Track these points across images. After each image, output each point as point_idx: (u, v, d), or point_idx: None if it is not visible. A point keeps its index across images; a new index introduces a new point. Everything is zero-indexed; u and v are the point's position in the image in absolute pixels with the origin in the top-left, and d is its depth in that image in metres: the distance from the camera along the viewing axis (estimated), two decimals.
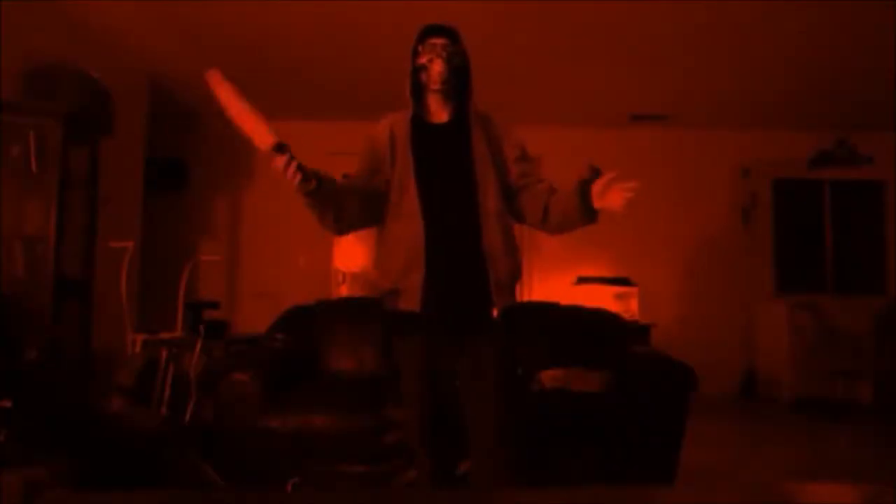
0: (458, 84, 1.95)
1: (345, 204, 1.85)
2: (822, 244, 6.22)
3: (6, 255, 3.03)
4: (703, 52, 4.42)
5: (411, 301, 1.85)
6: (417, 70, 1.95)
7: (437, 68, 1.90)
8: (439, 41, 1.94)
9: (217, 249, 5.76)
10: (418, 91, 1.96)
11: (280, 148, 1.73)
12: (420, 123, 1.96)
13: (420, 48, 1.96)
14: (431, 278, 1.83)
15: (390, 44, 4.34)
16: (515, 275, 1.94)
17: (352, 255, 8.13)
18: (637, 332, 4.81)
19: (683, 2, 3.69)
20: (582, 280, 5.65)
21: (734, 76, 4.85)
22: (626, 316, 4.95)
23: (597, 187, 1.78)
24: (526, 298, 5.64)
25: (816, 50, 4.34)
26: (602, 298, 5.26)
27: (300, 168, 1.75)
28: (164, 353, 3.56)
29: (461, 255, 1.86)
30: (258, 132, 1.77)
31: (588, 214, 1.83)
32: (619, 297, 5.49)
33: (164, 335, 3.64)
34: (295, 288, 5.41)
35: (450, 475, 1.92)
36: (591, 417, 2.70)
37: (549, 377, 3.03)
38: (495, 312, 1.90)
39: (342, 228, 1.90)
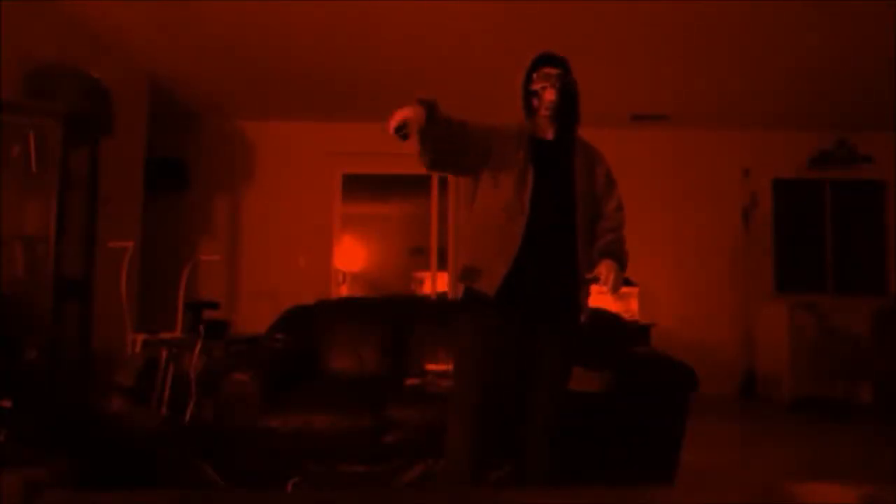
0: (566, 109, 2.13)
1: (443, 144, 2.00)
2: (822, 244, 6.22)
3: (6, 255, 3.02)
4: (704, 52, 4.42)
5: (488, 284, 2.03)
6: (530, 94, 2.14)
7: (549, 96, 2.09)
8: (553, 71, 2.10)
9: (217, 249, 5.76)
10: (529, 111, 2.15)
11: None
12: (532, 138, 2.16)
13: (534, 75, 2.13)
14: (518, 272, 2.02)
15: (390, 45, 4.35)
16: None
17: (352, 255, 8.12)
18: (637, 332, 4.81)
19: (684, 2, 3.69)
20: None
21: (734, 76, 4.85)
22: (626, 316, 4.94)
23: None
24: None
25: (816, 50, 4.34)
26: (602, 298, 5.26)
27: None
28: (164, 353, 3.56)
29: (554, 261, 2.06)
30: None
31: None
32: (619, 297, 5.48)
33: (164, 335, 3.64)
34: (295, 288, 5.41)
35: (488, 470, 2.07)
36: (591, 417, 2.70)
37: None
38: (583, 318, 2.13)
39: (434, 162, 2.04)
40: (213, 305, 4.31)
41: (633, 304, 5.50)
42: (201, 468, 2.66)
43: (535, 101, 2.11)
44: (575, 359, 2.22)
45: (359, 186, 6.50)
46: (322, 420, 2.77)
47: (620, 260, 2.10)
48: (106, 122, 3.58)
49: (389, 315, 3.63)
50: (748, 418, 5.21)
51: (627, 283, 5.62)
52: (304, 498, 1.52)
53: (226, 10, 3.85)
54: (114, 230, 3.91)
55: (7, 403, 2.30)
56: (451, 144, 2.01)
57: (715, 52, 4.40)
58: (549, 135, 2.16)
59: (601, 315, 3.64)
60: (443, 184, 6.09)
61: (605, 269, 2.02)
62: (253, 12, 3.86)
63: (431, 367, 3.26)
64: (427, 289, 6.74)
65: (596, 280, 2.03)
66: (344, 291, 6.30)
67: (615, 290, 2.04)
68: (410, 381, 3.15)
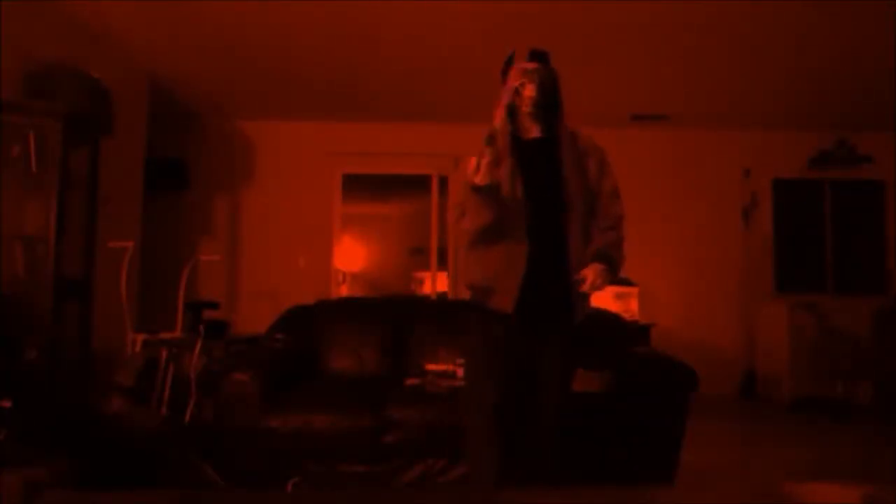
0: (548, 104, 2.06)
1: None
2: (822, 244, 6.22)
3: (6, 255, 3.03)
4: (704, 52, 4.42)
5: (504, 302, 1.99)
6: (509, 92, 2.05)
7: (529, 92, 2.02)
8: (531, 65, 2.04)
9: (217, 249, 5.76)
10: (511, 111, 2.05)
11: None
12: (516, 139, 2.07)
13: (511, 71, 2.05)
14: (525, 284, 1.99)
15: (390, 45, 4.35)
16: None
17: (352, 255, 8.12)
18: (637, 332, 4.81)
19: (684, 1, 3.69)
20: None
21: (734, 76, 4.85)
22: (626, 316, 4.94)
23: None
24: None
25: (816, 50, 4.34)
26: (602, 298, 5.26)
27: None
28: (164, 353, 3.55)
29: (551, 262, 2.01)
30: None
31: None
32: (619, 297, 5.49)
33: (164, 335, 3.64)
34: (295, 288, 5.41)
35: (505, 472, 2.01)
36: (591, 417, 2.70)
37: None
38: (578, 317, 2.07)
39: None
40: (213, 305, 4.31)
41: (633, 304, 5.50)
42: (201, 468, 2.66)
43: (516, 99, 2.04)
44: (576, 359, 2.20)
45: (359, 186, 6.50)
46: (322, 420, 2.77)
47: (612, 262, 2.04)
48: (106, 122, 3.58)
49: (389, 315, 3.63)
50: (748, 418, 5.21)
51: (627, 283, 5.63)
52: (304, 498, 1.52)
53: (226, 10, 3.85)
54: (114, 230, 3.91)
55: (7, 403, 2.30)
56: None
57: (715, 52, 4.40)
58: (534, 132, 2.09)
59: (601, 315, 3.64)
60: (443, 184, 6.09)
61: (591, 273, 1.97)
62: (253, 12, 3.86)
63: (431, 367, 3.26)
64: (427, 289, 6.74)
65: (581, 281, 1.98)
66: (344, 291, 6.30)
67: (595, 290, 2.00)
68: (410, 381, 3.15)
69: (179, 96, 5.39)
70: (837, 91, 5.12)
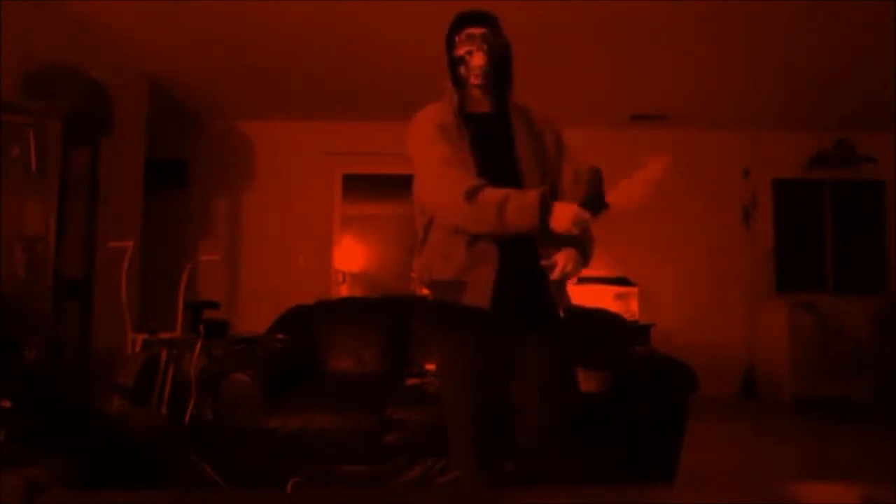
0: (499, 75, 1.84)
1: None
2: (822, 244, 6.21)
3: (6, 255, 3.02)
4: (704, 52, 4.42)
5: (478, 296, 1.74)
6: (455, 62, 1.83)
7: (478, 62, 1.80)
8: (478, 31, 1.82)
9: (217, 249, 5.75)
10: (457, 83, 1.85)
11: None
12: (466, 115, 1.86)
13: (457, 38, 1.83)
14: (498, 276, 1.75)
15: (388, 44, 4.35)
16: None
17: (352, 255, 8.11)
18: (637, 332, 4.81)
19: (685, 1, 3.69)
20: (582, 280, 5.65)
21: (734, 76, 4.85)
22: (626, 316, 4.94)
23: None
24: None
25: (817, 50, 4.34)
26: (602, 298, 5.26)
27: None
28: (164, 353, 3.55)
29: (519, 253, 1.77)
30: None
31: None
32: (619, 297, 5.49)
33: (164, 335, 3.64)
34: (295, 288, 5.41)
35: (497, 475, 1.84)
36: (591, 417, 2.70)
37: None
38: (561, 311, 1.82)
39: None
40: (214, 305, 4.31)
41: (633, 304, 5.50)
42: (201, 468, 2.66)
43: (463, 69, 1.82)
44: (569, 355, 2.00)
45: (359, 186, 6.49)
46: (322, 420, 2.77)
47: (582, 247, 1.81)
48: (106, 122, 3.58)
49: (389, 315, 3.63)
50: (748, 418, 5.21)
51: (627, 283, 5.63)
52: (304, 498, 1.52)
53: (226, 11, 3.85)
54: (114, 230, 3.91)
55: (7, 403, 2.30)
56: None
57: (715, 52, 4.40)
58: (485, 107, 1.88)
59: (601, 315, 3.64)
60: None
61: (562, 258, 1.75)
62: (253, 12, 3.86)
63: (431, 367, 3.26)
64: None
65: (551, 268, 1.75)
66: (344, 291, 6.29)
67: (567, 278, 1.79)
68: (410, 381, 3.15)
69: (179, 96, 5.39)
70: (837, 91, 5.12)
